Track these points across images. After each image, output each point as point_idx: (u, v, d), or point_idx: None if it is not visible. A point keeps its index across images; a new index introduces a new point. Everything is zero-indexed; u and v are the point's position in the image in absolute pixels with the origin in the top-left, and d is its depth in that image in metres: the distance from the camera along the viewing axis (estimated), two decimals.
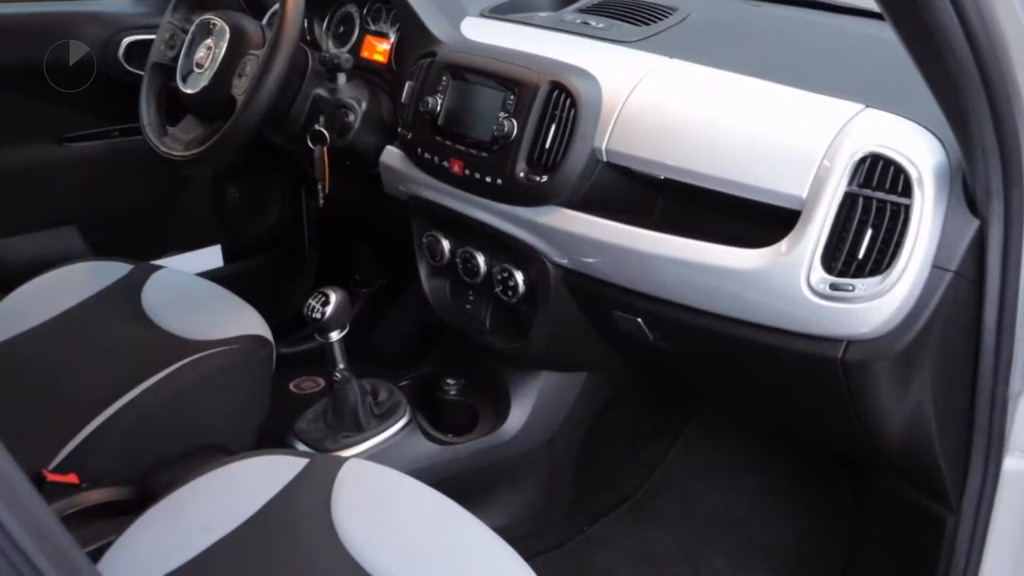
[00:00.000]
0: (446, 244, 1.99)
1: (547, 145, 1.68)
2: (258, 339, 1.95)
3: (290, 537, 1.35)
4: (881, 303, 1.33)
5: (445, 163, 1.82)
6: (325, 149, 1.99)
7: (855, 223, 1.34)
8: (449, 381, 2.12)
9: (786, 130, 1.46)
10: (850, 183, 1.35)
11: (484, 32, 1.97)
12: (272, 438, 2.01)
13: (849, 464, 2.21)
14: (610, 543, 2.25)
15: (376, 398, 2.05)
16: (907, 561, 1.76)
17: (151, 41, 2.11)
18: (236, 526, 1.36)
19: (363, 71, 2.09)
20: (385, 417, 2.01)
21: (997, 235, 1.31)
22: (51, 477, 1.60)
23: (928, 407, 1.48)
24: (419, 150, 1.88)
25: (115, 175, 2.52)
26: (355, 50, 2.15)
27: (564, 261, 1.78)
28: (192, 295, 2.10)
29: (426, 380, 2.22)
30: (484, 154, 1.75)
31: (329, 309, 1.85)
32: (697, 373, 1.95)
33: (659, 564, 2.19)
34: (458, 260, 1.97)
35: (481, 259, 1.93)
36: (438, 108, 1.84)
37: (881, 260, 1.33)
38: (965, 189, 1.34)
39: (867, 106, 1.42)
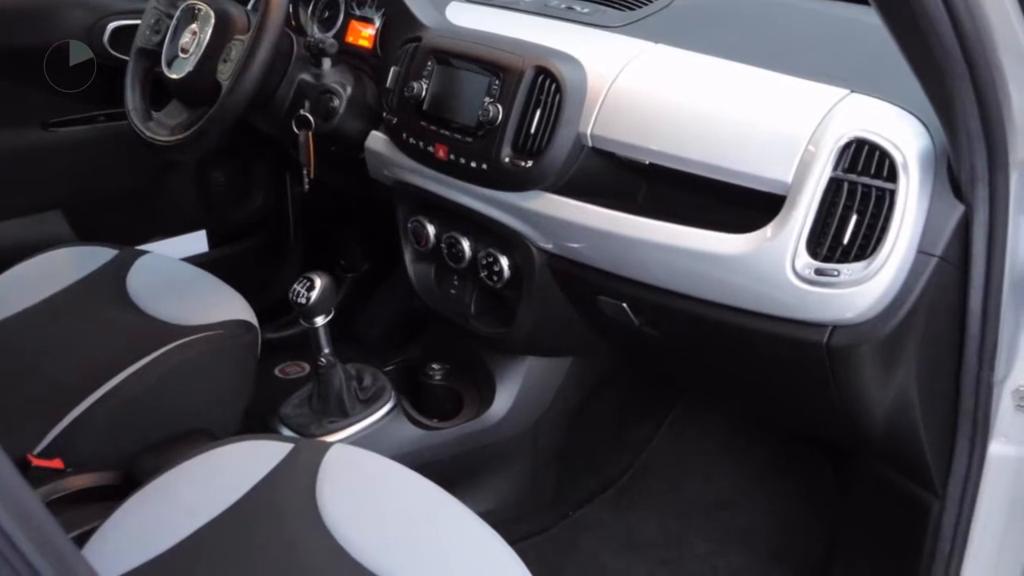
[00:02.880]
0: (431, 229, 1.99)
1: (532, 130, 1.68)
2: (243, 324, 1.95)
3: (275, 522, 1.35)
4: (866, 288, 1.34)
5: (430, 148, 1.82)
6: (310, 134, 1.98)
7: (840, 208, 1.34)
8: (434, 366, 2.11)
9: (771, 115, 1.46)
10: (835, 168, 1.35)
11: (469, 17, 1.96)
12: (257, 423, 2.02)
13: (834, 449, 2.21)
14: (595, 527, 2.26)
15: (361, 383, 2.05)
16: (891, 546, 1.76)
17: (136, 26, 2.10)
18: (221, 511, 1.36)
19: (348, 56, 2.08)
20: (370, 402, 2.02)
21: (982, 220, 1.32)
22: (36, 462, 1.60)
23: (913, 392, 1.48)
24: (404, 135, 1.88)
25: (100, 160, 2.51)
26: (340, 35, 2.14)
27: (549, 246, 1.78)
28: (177, 280, 2.10)
29: (411, 365, 2.22)
30: (469, 139, 1.75)
31: (314, 294, 1.86)
32: (682, 358, 1.95)
33: (644, 548, 2.20)
34: (443, 245, 1.97)
35: (466, 244, 1.93)
36: (423, 93, 1.83)
37: (866, 245, 1.33)
38: (950, 174, 1.34)
39: (852, 91, 1.42)
